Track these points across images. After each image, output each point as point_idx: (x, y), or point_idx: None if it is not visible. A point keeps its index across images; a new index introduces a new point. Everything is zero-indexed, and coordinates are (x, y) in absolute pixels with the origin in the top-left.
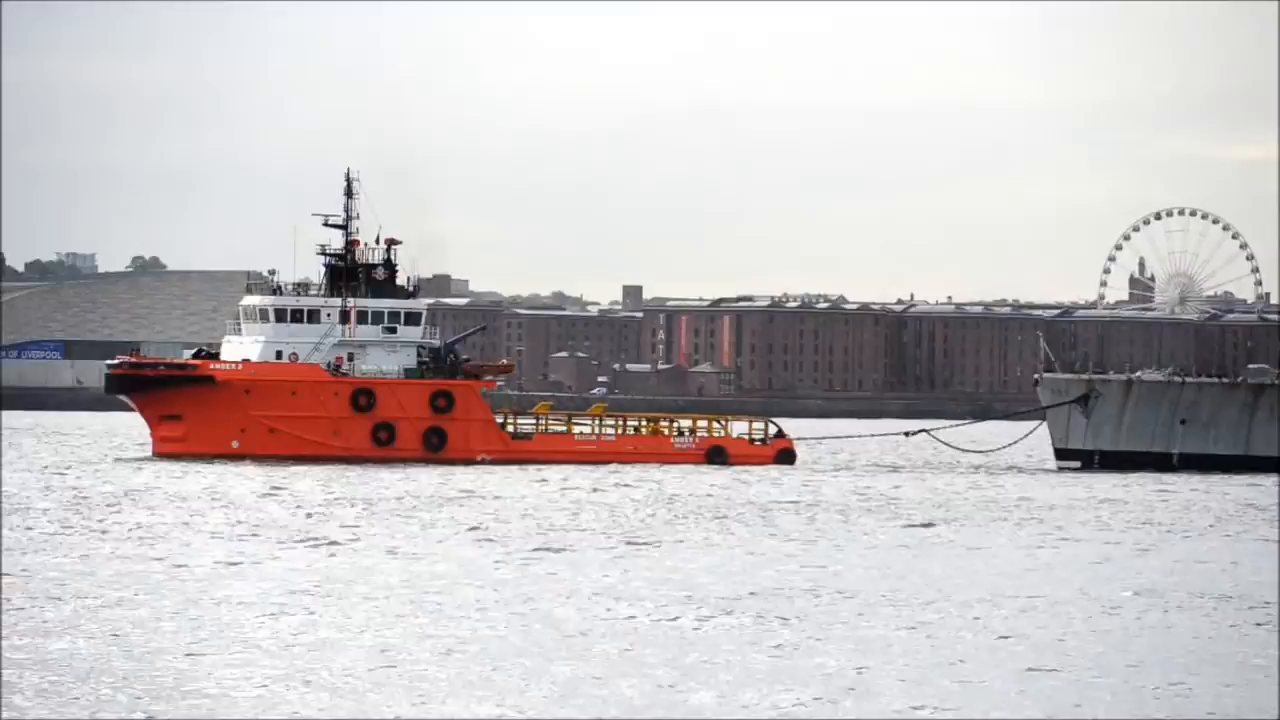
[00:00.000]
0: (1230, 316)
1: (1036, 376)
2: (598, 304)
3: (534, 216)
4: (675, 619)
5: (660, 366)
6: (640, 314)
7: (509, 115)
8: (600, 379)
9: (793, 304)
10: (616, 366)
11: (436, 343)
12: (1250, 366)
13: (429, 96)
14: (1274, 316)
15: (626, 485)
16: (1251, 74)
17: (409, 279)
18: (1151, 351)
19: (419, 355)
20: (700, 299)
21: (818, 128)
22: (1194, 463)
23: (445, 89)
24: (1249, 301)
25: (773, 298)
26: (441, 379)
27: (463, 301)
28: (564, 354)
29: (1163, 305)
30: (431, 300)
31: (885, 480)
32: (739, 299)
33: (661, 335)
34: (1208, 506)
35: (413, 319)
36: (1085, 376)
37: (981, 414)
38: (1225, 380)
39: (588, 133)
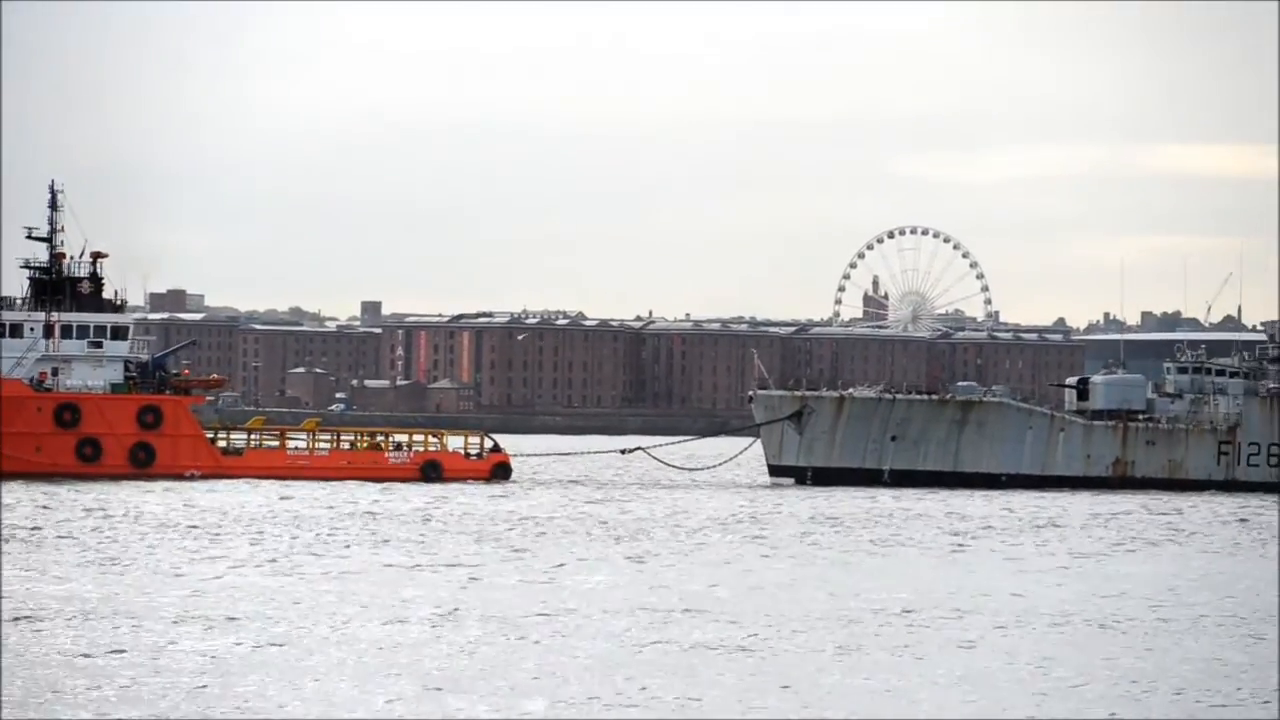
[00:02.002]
0: (961, 334)
1: (750, 393)
2: (336, 319)
3: (271, 231)
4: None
5: (399, 383)
6: (379, 330)
7: (246, 127)
8: (339, 395)
9: (532, 320)
10: (355, 383)
11: (145, 357)
12: (959, 384)
13: (165, 109)
14: (1003, 335)
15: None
16: (986, 97)
17: (116, 293)
18: (885, 368)
19: (126, 370)
20: (439, 315)
21: (559, 143)
22: (904, 479)
23: (183, 102)
24: (979, 320)
25: (512, 314)
26: (149, 394)
27: (198, 316)
28: (301, 369)
29: (896, 323)
30: (164, 315)
31: (590, 494)
32: (478, 315)
33: (400, 351)
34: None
35: (120, 333)
36: (798, 393)
37: (718, 430)
38: (934, 397)
39: (326, 147)
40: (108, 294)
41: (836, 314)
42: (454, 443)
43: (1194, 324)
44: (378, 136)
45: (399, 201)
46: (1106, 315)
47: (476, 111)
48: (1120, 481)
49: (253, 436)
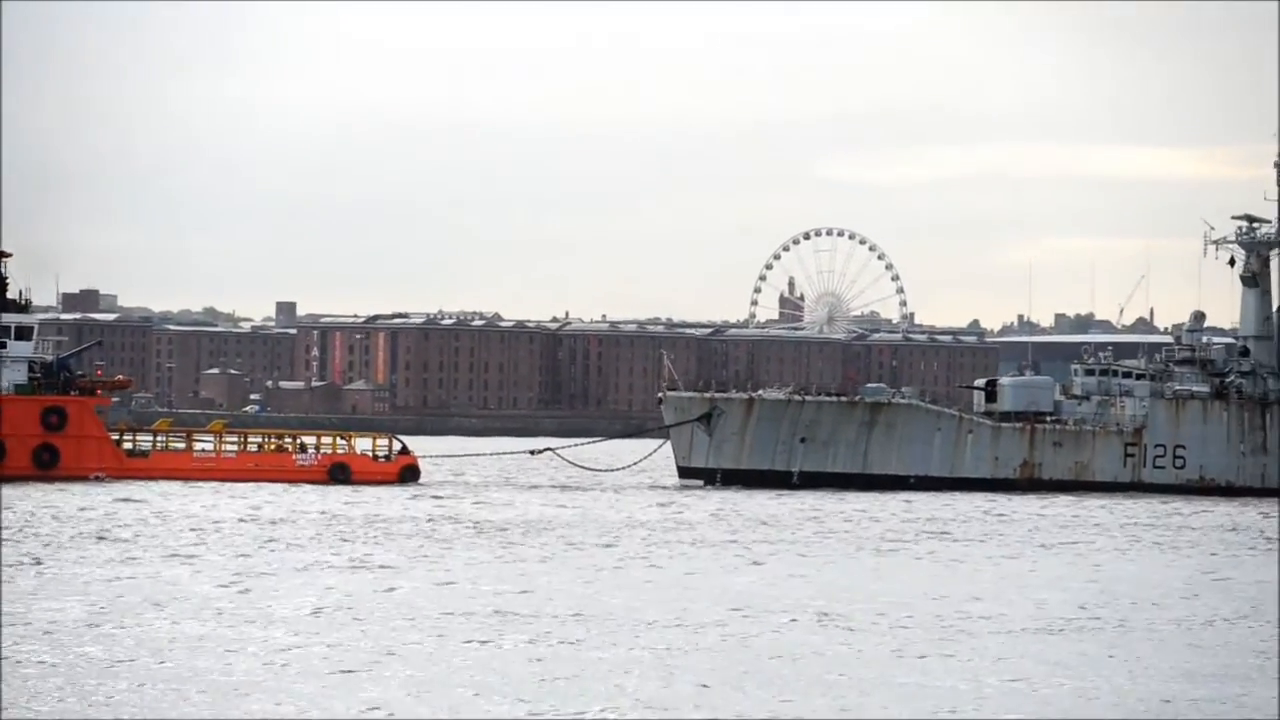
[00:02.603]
0: (876, 336)
1: (660, 395)
2: (251, 320)
3: (185, 231)
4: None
5: (314, 384)
6: (294, 330)
7: (160, 127)
8: (253, 396)
9: (448, 321)
10: (270, 384)
11: (50, 358)
12: (868, 386)
13: (77, 106)
14: (918, 336)
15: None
16: (903, 99)
17: (21, 292)
18: (800, 370)
19: (31, 371)
20: (355, 316)
21: (477, 145)
22: (813, 480)
23: (99, 100)
24: (894, 321)
25: (428, 315)
26: (54, 395)
27: (111, 317)
28: (216, 371)
29: (811, 324)
30: (77, 315)
31: (497, 496)
32: (394, 316)
33: (316, 352)
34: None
35: (24, 334)
36: (708, 395)
37: (630, 431)
38: (843, 399)
39: (239, 146)
40: (12, 294)
41: (752, 316)
42: (362, 445)
43: (1107, 326)
44: (299, 135)
45: (314, 202)
46: (1020, 317)
47: (398, 111)
48: (1028, 483)
49: (159, 438)
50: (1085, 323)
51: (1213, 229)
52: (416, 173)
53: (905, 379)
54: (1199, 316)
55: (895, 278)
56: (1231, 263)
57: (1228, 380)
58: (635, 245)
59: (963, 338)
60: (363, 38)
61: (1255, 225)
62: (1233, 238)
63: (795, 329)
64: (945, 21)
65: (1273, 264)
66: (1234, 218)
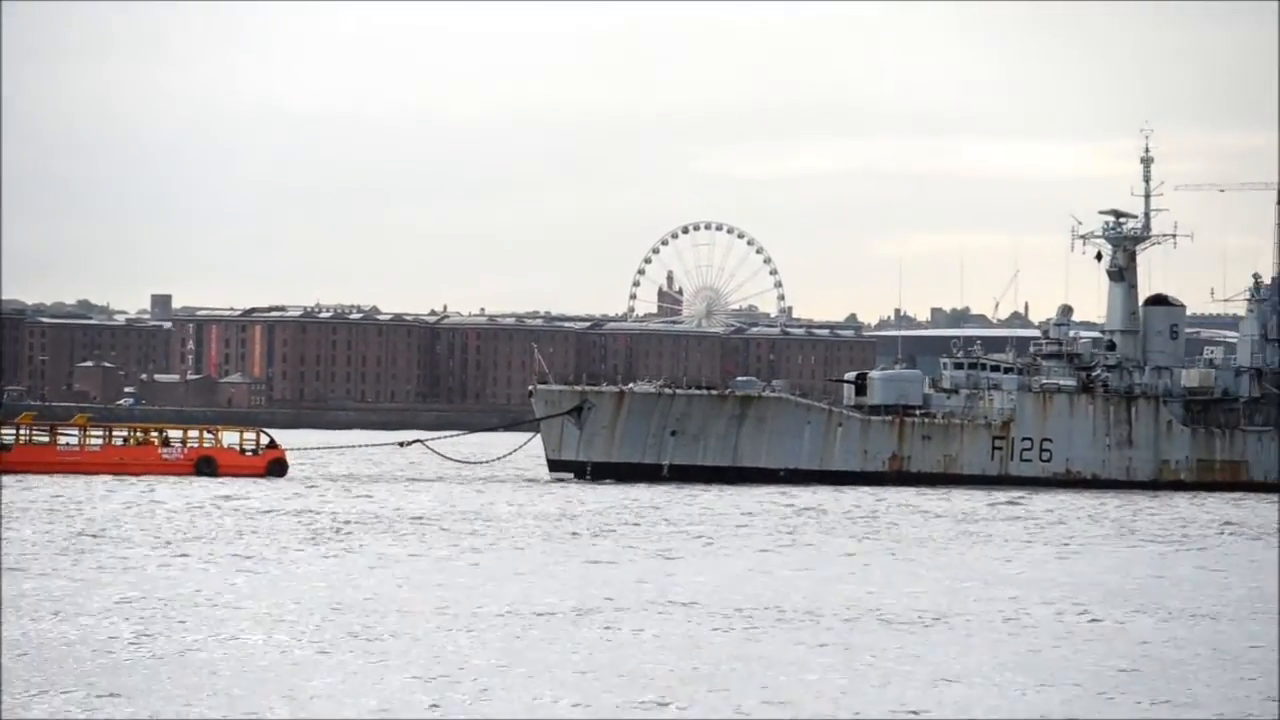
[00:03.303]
0: (754, 330)
1: (530, 388)
2: (125, 313)
3: (59, 224)
4: None
5: (190, 377)
6: (169, 323)
7: (32, 114)
8: (128, 389)
9: (325, 314)
10: (145, 377)
11: None
12: (739, 379)
13: None
14: (796, 331)
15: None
16: (782, 93)
17: None
18: (679, 364)
19: None
20: (231, 309)
21: (353, 135)
22: (684, 474)
23: None
24: (772, 315)
25: (305, 308)
26: None
27: None
28: (90, 364)
29: (690, 319)
30: None
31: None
32: (271, 309)
33: (191, 345)
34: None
35: None
36: (578, 388)
37: (512, 425)
38: (714, 393)
39: (109, 136)
40: None
41: (631, 309)
42: (229, 438)
43: (982, 320)
44: (171, 126)
45: (189, 193)
46: (897, 311)
47: (274, 101)
48: (897, 476)
49: (22, 432)
50: (961, 317)
51: (1080, 224)
52: (295, 165)
53: (783, 372)
54: (1066, 311)
55: (774, 272)
56: (1099, 257)
57: (1094, 374)
58: (514, 239)
59: (840, 332)
60: (237, 29)
61: (1122, 220)
62: (1100, 232)
63: (674, 323)
64: (818, 17)
65: (1139, 259)
66: (1101, 212)
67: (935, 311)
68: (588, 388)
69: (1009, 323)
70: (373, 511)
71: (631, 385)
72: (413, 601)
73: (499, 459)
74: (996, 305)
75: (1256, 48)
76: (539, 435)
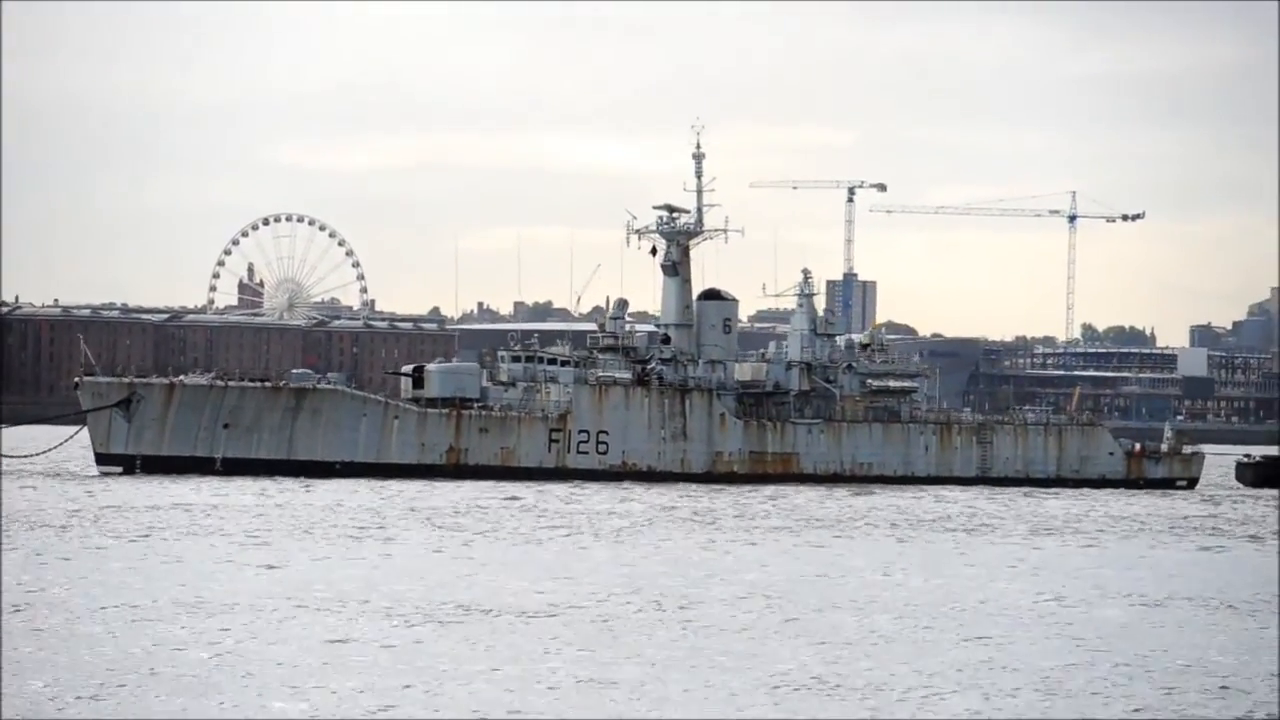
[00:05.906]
0: (338, 322)
1: (76, 380)
2: None
3: None
4: None
5: None
6: None
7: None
8: None
9: None
10: None
11: None
12: (294, 371)
13: None
14: (379, 323)
15: None
16: (355, 82)
17: None
18: (261, 356)
19: None
20: None
21: None
22: (237, 467)
23: None
24: (355, 308)
25: None
26: None
27: None
28: None
29: (271, 311)
30: None
31: None
32: None
33: None
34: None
35: None
36: (127, 380)
37: (50, 417)
38: (267, 385)
39: None
40: None
41: (211, 302)
42: None
43: (565, 314)
44: None
45: None
46: (480, 305)
47: None
48: (454, 469)
49: None
50: (545, 311)
51: (635, 218)
52: None
53: (367, 365)
54: (622, 304)
55: (356, 264)
56: (654, 252)
57: (650, 367)
58: (89, 227)
59: (423, 325)
60: None
61: (675, 215)
62: (654, 227)
63: (255, 315)
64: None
65: (692, 254)
66: (655, 208)
67: (518, 305)
68: (136, 380)
69: (591, 315)
70: None
71: (182, 378)
72: None
73: (42, 453)
74: (579, 299)
75: (844, 50)
76: (85, 428)
